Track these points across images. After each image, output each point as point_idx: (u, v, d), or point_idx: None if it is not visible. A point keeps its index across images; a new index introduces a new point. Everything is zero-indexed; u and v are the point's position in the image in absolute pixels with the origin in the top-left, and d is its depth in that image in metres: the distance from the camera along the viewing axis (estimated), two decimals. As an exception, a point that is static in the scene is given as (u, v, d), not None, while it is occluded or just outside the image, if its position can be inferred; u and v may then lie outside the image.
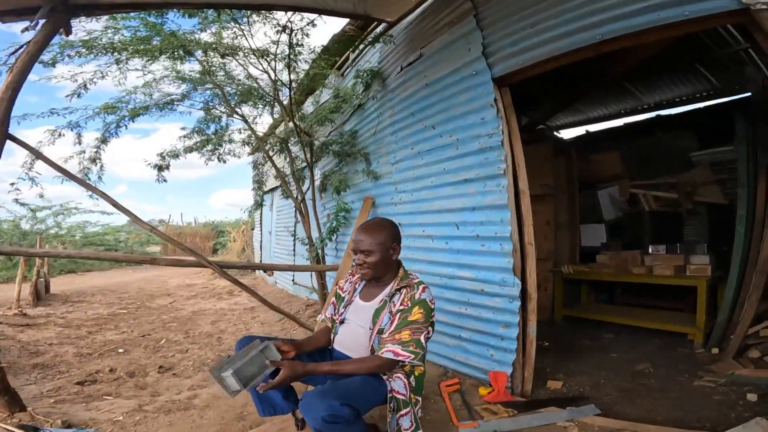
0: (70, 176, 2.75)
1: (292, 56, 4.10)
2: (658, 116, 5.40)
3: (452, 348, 2.91)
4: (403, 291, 1.71)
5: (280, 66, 4.45)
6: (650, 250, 3.66)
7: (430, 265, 3.10)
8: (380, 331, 1.67)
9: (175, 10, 3.39)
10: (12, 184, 3.61)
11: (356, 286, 1.93)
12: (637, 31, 2.01)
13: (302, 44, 3.99)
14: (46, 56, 3.42)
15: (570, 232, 4.64)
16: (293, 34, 3.90)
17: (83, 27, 3.51)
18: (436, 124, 3.12)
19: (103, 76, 4.13)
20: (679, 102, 5.17)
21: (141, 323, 4.89)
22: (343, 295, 1.95)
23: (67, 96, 3.99)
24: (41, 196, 3.89)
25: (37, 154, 2.65)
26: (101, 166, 4.51)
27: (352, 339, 1.80)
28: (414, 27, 3.52)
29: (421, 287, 1.71)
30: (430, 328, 1.68)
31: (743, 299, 2.84)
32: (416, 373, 1.73)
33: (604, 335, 3.75)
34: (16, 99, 2.26)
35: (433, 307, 1.70)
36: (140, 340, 4.06)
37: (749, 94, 3.69)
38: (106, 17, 3.42)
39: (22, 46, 2.25)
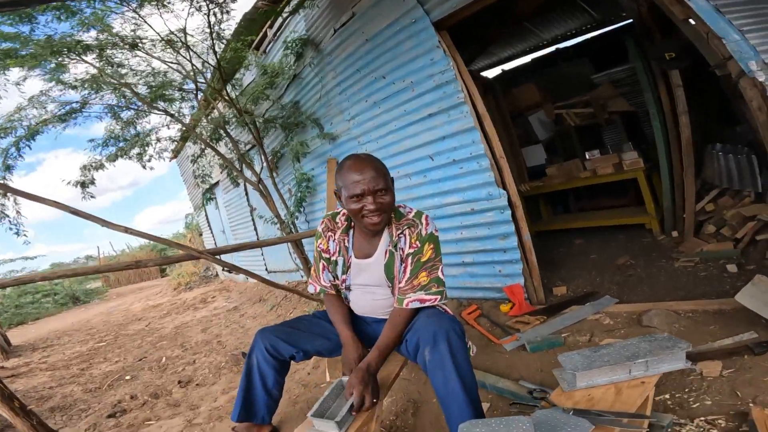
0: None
1: (214, 35, 3.89)
2: (557, 49, 6.18)
3: (460, 277, 3.19)
4: (406, 232, 1.47)
5: (197, 50, 4.21)
6: (587, 156, 4.15)
7: (414, 202, 3.36)
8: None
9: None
10: None
11: (345, 243, 1.58)
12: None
13: (226, 20, 3.79)
14: None
15: (514, 157, 5.15)
16: (211, 13, 3.70)
17: None
18: (386, 73, 3.30)
19: None
20: (571, 35, 5.94)
21: (129, 350, 4.68)
22: (332, 257, 1.61)
23: None
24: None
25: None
26: (14, 199, 3.89)
27: (371, 303, 1.61)
28: None
29: (423, 219, 1.48)
30: (441, 258, 1.51)
31: (679, 182, 3.10)
32: None
33: (574, 241, 4.13)
34: None
35: (437, 234, 1.51)
36: (140, 364, 3.90)
37: (631, 20, 4.25)
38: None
39: None
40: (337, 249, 1.59)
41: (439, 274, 1.46)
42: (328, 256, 1.62)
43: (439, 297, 1.44)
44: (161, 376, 3.40)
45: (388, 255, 1.50)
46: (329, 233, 1.62)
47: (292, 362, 1.63)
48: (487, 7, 2.63)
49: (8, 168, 4.02)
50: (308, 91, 4.39)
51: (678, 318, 2.06)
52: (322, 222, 1.65)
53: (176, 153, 7.42)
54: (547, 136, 5.40)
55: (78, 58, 3.74)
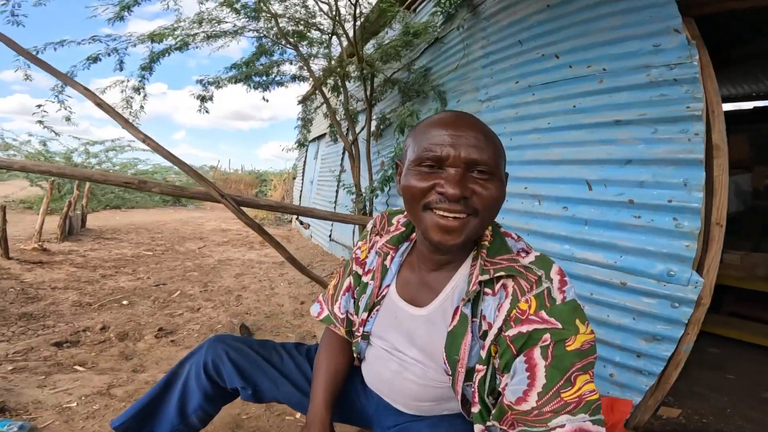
0: (107, 109, 2.22)
1: None
2: None
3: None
4: (510, 286, 0.73)
5: None
6: None
7: (529, 236, 2.32)
8: (470, 374, 0.77)
9: None
10: (39, 106, 3.50)
11: (387, 261, 0.92)
12: None
13: None
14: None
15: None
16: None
17: None
18: (562, 52, 2.29)
19: None
20: None
21: (161, 269, 4.44)
22: (364, 278, 0.96)
23: (109, 19, 3.63)
24: (68, 119, 3.73)
25: (66, 80, 2.24)
26: (144, 95, 4.36)
27: (394, 379, 0.90)
28: None
29: (554, 272, 0.72)
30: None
31: None
32: None
33: (708, 349, 3.00)
34: None
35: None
36: (152, 290, 3.56)
37: None
38: None
39: None
40: (377, 265, 0.92)
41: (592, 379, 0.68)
42: (360, 271, 0.98)
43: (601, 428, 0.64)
44: (155, 313, 3.02)
45: (457, 318, 0.77)
46: (375, 237, 0.98)
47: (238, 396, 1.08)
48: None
49: (147, 68, 4.28)
50: (445, 59, 3.60)
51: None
52: (375, 218, 1.02)
53: (303, 99, 7.49)
54: (738, 209, 3.96)
55: None
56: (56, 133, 7.32)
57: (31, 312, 2.70)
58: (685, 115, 1.65)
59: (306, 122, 6.63)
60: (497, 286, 0.74)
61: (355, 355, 1.00)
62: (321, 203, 7.41)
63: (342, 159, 6.40)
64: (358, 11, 3.81)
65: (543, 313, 0.68)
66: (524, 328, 0.68)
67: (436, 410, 0.88)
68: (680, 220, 1.65)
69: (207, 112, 5.00)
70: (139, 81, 4.28)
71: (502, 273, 0.73)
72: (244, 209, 2.41)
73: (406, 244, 0.92)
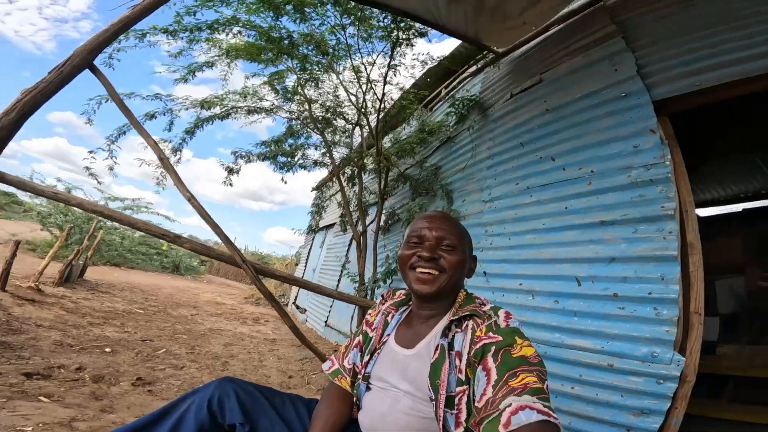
0: (167, 165, 2.39)
1: (393, 62, 3.74)
2: None
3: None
4: (468, 324, 1.00)
5: (369, 89, 4.25)
6: None
7: (524, 327, 2.22)
8: (450, 401, 0.92)
9: (289, 10, 3.41)
10: (90, 152, 3.74)
11: (389, 318, 1.18)
12: None
13: (405, 54, 3.68)
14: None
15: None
16: (398, 44, 3.56)
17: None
18: (557, 154, 2.54)
19: (211, 66, 4.19)
20: None
21: (150, 327, 4.36)
22: (370, 333, 1.19)
23: (176, 80, 4.19)
24: (111, 168, 3.95)
25: (115, 98, 2.32)
26: (180, 158, 4.75)
27: (388, 413, 1.01)
28: (531, 55, 3.13)
29: (501, 312, 1.00)
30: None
31: None
32: None
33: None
34: (119, 35, 2.23)
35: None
36: (137, 344, 3.47)
37: None
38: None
39: None
40: (380, 324, 1.18)
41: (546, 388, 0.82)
42: (368, 330, 1.22)
43: (557, 421, 0.75)
44: (136, 364, 2.93)
45: (438, 352, 1.00)
46: (382, 304, 1.27)
47: None
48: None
49: (191, 132, 4.69)
50: (455, 158, 3.89)
51: None
52: (384, 293, 1.33)
53: (319, 186, 7.87)
54: (731, 309, 4.01)
55: (291, 66, 4.15)
56: (99, 182, 7.71)
57: (10, 342, 2.65)
58: (661, 214, 1.80)
59: (319, 209, 6.87)
60: (464, 326, 1.01)
61: (354, 400, 1.12)
62: None
63: (348, 249, 6.51)
64: (382, 105, 4.16)
65: (490, 333, 0.94)
66: (478, 345, 0.93)
67: None
68: (660, 309, 1.73)
69: (231, 185, 5.22)
70: (180, 143, 4.65)
71: (467, 313, 1.02)
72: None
73: (405, 308, 1.19)
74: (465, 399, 0.92)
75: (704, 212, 5.37)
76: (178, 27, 3.54)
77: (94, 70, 2.17)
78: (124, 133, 4.00)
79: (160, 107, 4.29)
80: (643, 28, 2.27)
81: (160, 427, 1.03)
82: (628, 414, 1.75)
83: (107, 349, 3.04)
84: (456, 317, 1.02)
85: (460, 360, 0.95)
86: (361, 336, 1.21)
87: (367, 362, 1.11)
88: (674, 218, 1.76)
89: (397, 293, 1.27)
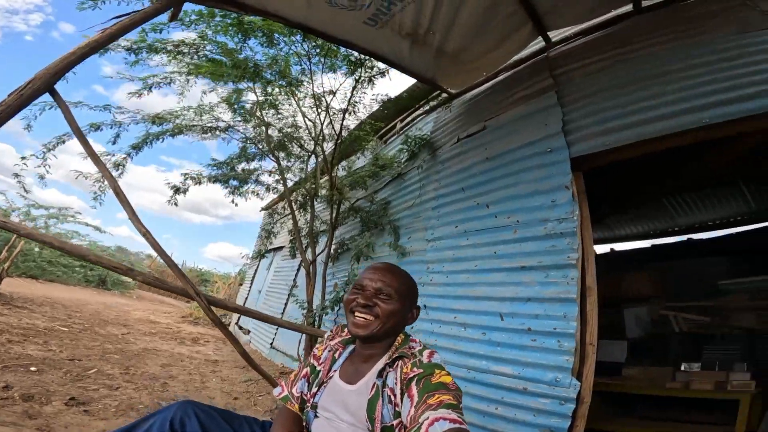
0: (122, 199, 2.30)
1: (353, 99, 4.00)
2: (689, 239, 5.23)
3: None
4: (398, 364, 1.17)
5: (327, 119, 4.41)
6: (683, 367, 3.42)
7: (456, 354, 2.65)
8: (387, 430, 1.10)
9: (258, 34, 3.47)
10: (23, 158, 3.48)
11: (336, 354, 1.34)
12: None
13: (365, 92, 3.95)
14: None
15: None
16: (360, 81, 3.86)
17: (168, 31, 3.53)
18: (491, 202, 2.87)
19: (170, 82, 4.14)
20: (713, 226, 5.04)
21: (77, 346, 4.12)
22: (317, 367, 1.35)
23: (129, 93, 4.03)
24: (42, 177, 3.65)
25: (71, 121, 2.24)
26: (121, 173, 4.49)
27: None
28: (480, 99, 3.43)
29: (426, 353, 1.17)
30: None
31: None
32: None
33: None
34: (83, 60, 2.12)
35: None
36: (65, 364, 3.31)
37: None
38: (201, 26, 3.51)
39: (129, 14, 2.14)
40: (328, 359, 1.35)
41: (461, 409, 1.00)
42: (315, 363, 1.37)
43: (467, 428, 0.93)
44: (66, 384, 2.82)
45: (374, 390, 1.16)
46: (330, 341, 1.41)
47: None
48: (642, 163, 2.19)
49: (137, 147, 4.48)
50: (404, 195, 4.14)
51: None
52: (333, 328, 1.48)
53: (268, 207, 7.78)
54: (637, 335, 4.50)
55: (252, 86, 4.17)
56: (26, 191, 7.07)
57: None
58: (567, 263, 2.17)
59: (269, 233, 6.81)
60: (395, 365, 1.18)
61: (304, 425, 1.28)
62: (268, 312, 7.32)
63: (296, 274, 6.54)
64: (339, 140, 4.32)
65: (414, 369, 1.12)
66: (405, 380, 1.11)
67: None
68: (562, 341, 2.08)
69: (176, 204, 5.13)
70: (124, 157, 4.42)
71: (398, 355, 1.19)
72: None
73: (351, 346, 1.34)
74: (402, 427, 1.08)
75: (621, 246, 5.89)
76: (142, 45, 3.56)
77: (54, 94, 2.12)
78: (63, 142, 3.79)
79: (107, 119, 4.12)
80: (573, 83, 2.56)
81: None
82: (537, 431, 2.05)
83: (32, 368, 2.90)
84: (390, 360, 1.19)
85: (394, 395, 1.12)
86: (308, 368, 1.35)
87: (315, 393, 1.26)
88: (576, 267, 2.13)
89: (345, 330, 1.40)
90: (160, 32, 3.47)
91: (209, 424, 1.19)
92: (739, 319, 3.89)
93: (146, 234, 2.29)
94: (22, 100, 1.97)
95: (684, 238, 5.34)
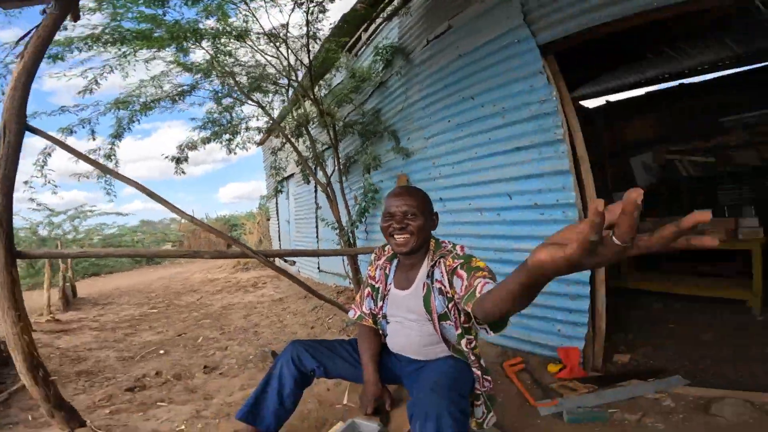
0: (96, 164, 2.51)
1: (310, 34, 3.88)
2: (681, 84, 5.14)
3: (512, 326, 2.78)
4: (441, 261, 1.43)
5: (293, 47, 4.27)
6: None
7: (480, 239, 3.03)
8: (443, 317, 1.41)
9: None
10: (26, 182, 3.71)
11: (386, 271, 1.61)
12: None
13: (321, 19, 3.78)
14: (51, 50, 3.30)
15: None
16: (309, 12, 3.69)
17: (88, 19, 3.33)
18: (475, 94, 3.02)
19: (111, 70, 4.00)
20: (701, 71, 4.90)
21: (174, 322, 4.82)
22: (376, 285, 1.63)
23: (78, 92, 3.93)
24: (54, 192, 3.82)
25: (58, 143, 2.40)
26: (116, 162, 4.61)
27: (406, 339, 1.54)
28: None
29: (458, 247, 1.46)
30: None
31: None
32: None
33: (652, 304, 3.65)
34: (28, 88, 2.01)
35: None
36: (177, 340, 3.96)
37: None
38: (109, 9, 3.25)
39: (30, 32, 2.06)
40: (382, 277, 1.62)
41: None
42: (373, 282, 1.65)
43: None
44: (191, 356, 3.42)
45: (425, 288, 1.45)
46: (377, 261, 1.67)
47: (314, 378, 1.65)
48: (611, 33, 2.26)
49: (117, 136, 4.52)
50: (391, 101, 4.25)
51: (753, 409, 1.84)
52: (375, 250, 1.72)
53: (262, 141, 7.83)
54: (648, 182, 4.76)
55: (197, 44, 3.96)
56: (51, 210, 7.16)
57: (86, 369, 3.06)
58: (555, 139, 2.40)
59: (277, 170, 6.83)
60: (438, 263, 1.43)
61: (381, 333, 1.63)
62: (302, 241, 7.83)
63: (315, 196, 6.82)
64: (307, 61, 4.21)
65: (455, 260, 1.37)
66: (450, 268, 1.37)
67: (432, 354, 1.50)
68: (566, 212, 2.40)
69: (183, 173, 5.30)
70: (110, 148, 4.48)
71: (439, 256, 1.44)
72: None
73: (395, 260, 1.61)
74: (455, 309, 1.38)
75: (616, 97, 5.73)
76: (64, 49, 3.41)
77: (30, 129, 2.05)
78: (50, 155, 3.86)
79: (73, 120, 4.07)
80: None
81: (269, 393, 1.56)
82: (566, 299, 2.47)
83: (161, 351, 3.53)
84: (433, 262, 1.45)
85: (444, 285, 1.38)
86: (369, 288, 1.67)
87: (381, 306, 1.58)
88: (564, 141, 2.36)
89: (386, 249, 1.67)
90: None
91: (314, 351, 1.61)
92: (743, 157, 3.99)
93: (193, 219, 2.59)
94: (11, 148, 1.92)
95: (676, 83, 5.22)
